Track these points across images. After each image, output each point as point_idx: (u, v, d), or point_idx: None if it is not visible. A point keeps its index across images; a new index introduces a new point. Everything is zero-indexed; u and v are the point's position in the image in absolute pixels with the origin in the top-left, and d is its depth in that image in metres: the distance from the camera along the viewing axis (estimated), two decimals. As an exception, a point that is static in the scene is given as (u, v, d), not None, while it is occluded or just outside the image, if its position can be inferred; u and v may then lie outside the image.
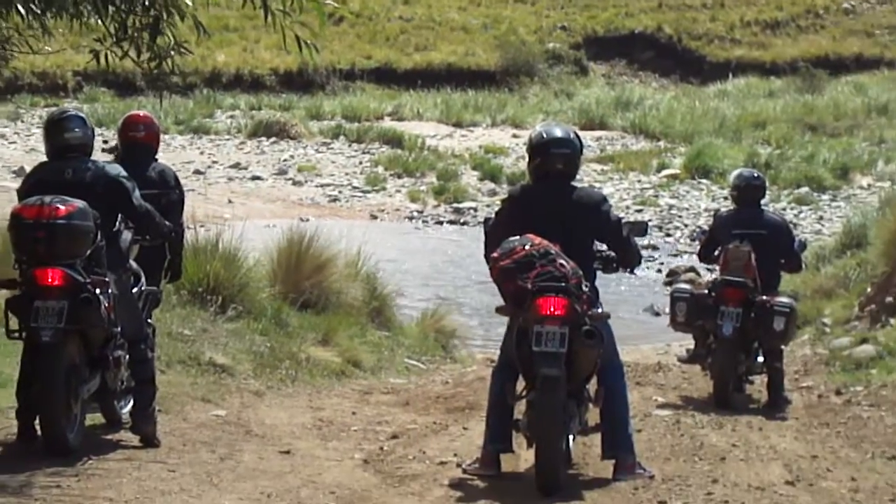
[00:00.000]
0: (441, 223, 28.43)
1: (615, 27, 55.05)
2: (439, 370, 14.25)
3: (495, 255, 8.03)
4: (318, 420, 10.41)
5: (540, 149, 8.46)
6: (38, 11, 6.99)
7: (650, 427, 10.25)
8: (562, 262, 7.89)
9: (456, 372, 14.06)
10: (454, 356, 15.44)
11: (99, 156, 9.10)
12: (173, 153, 32.44)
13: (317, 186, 31.36)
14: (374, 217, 28.52)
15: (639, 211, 28.63)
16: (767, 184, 14.00)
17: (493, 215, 8.92)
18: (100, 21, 7.23)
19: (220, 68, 47.20)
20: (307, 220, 24.68)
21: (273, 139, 37.41)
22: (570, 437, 8.38)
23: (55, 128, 8.65)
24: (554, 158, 8.42)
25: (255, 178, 31.99)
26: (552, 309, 7.74)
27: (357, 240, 15.43)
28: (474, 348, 16.12)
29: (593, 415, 8.51)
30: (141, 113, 10.33)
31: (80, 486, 7.43)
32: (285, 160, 34.43)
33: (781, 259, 12.20)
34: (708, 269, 14.83)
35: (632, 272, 9.45)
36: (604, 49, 53.76)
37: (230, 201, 27.99)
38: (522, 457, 8.49)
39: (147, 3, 6.81)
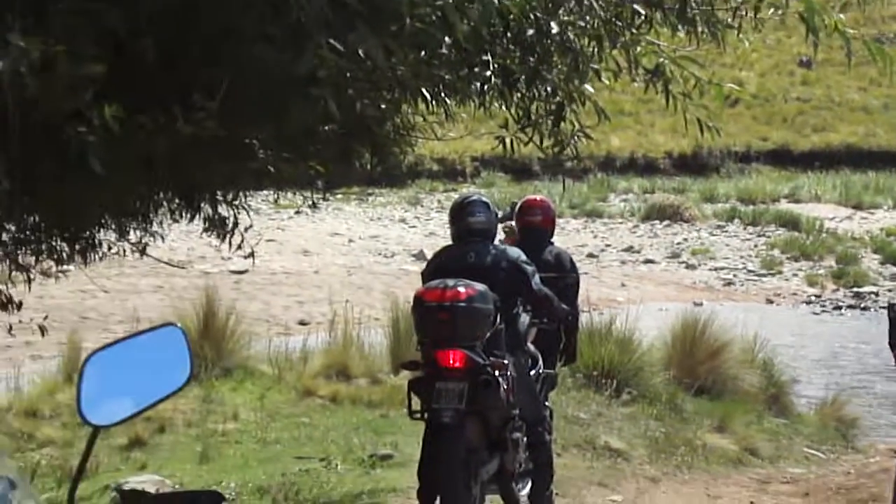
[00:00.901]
0: (840, 308, 27.66)
1: None
2: (840, 460, 13.80)
3: (901, 341, 7.75)
4: (714, 508, 10.23)
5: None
6: (444, 97, 7.19)
7: None
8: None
9: (858, 462, 13.58)
10: (856, 446, 14.93)
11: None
12: (567, 236, 32.83)
13: (710, 270, 31.08)
14: (769, 301, 28.02)
15: None
16: None
17: (897, 301, 8.62)
18: (504, 108, 7.38)
19: (614, 152, 47.60)
20: (701, 303, 24.47)
21: (666, 222, 37.37)
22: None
23: (460, 212, 8.85)
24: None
25: (647, 261, 31.98)
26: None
27: (753, 324, 15.17)
28: (876, 438, 15.55)
29: None
30: (538, 198, 10.48)
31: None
32: (678, 243, 34.30)
33: None
34: None
35: None
36: None
37: (623, 285, 28.06)
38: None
39: (551, 90, 6.90)
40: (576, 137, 7.34)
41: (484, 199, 9.12)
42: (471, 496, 8.10)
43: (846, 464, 13.50)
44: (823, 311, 27.46)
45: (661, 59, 6.85)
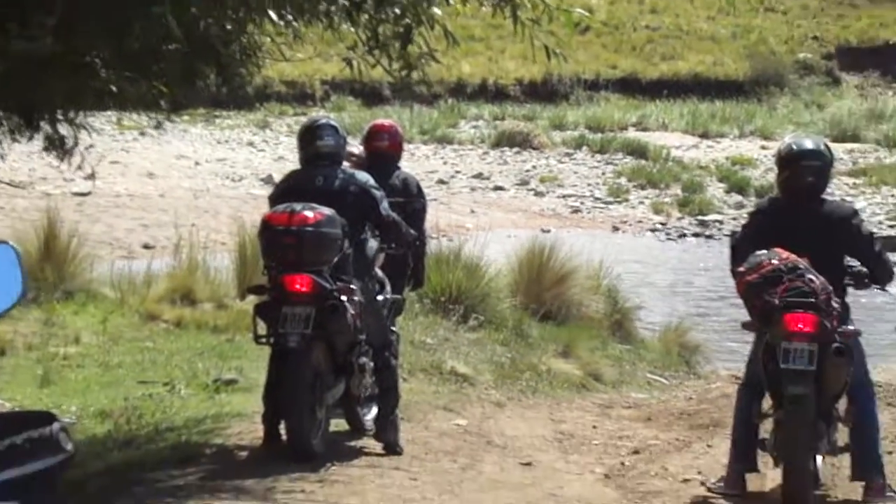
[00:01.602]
0: (685, 236, 28.09)
1: (869, 38, 53.77)
2: (682, 386, 14.01)
3: (742, 269, 7.84)
4: (558, 433, 10.32)
5: (789, 161, 8.24)
6: (291, 18, 7.07)
7: (902, 449, 9.89)
8: (811, 277, 7.65)
9: (700, 388, 13.80)
10: (698, 372, 15.18)
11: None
12: (417, 162, 32.81)
13: (558, 197, 31.34)
14: (616, 229, 28.35)
15: (892, 227, 27.82)
16: None
17: (739, 228, 8.73)
18: (351, 29, 7.29)
19: (465, 78, 47.61)
20: (549, 230, 24.66)
21: (516, 149, 37.55)
22: (819, 457, 8.14)
23: (308, 136, 8.77)
24: (804, 171, 8.19)
25: (497, 188, 32.13)
26: (801, 325, 7.52)
27: (599, 252, 15.31)
28: (719, 364, 15.83)
29: (842, 435, 8.25)
30: (386, 122, 10.41)
31: (323, 492, 7.48)
32: (527, 171, 34.50)
33: None
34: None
35: (884, 289, 9.13)
36: (857, 60, 52.54)
37: (472, 211, 28.18)
38: (769, 477, 8.27)
39: (399, 11, 6.83)
40: (424, 60, 7.29)
41: (333, 122, 9.04)
42: (316, 420, 8.10)
43: (688, 389, 13.71)
44: (669, 238, 27.86)
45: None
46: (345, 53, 7.62)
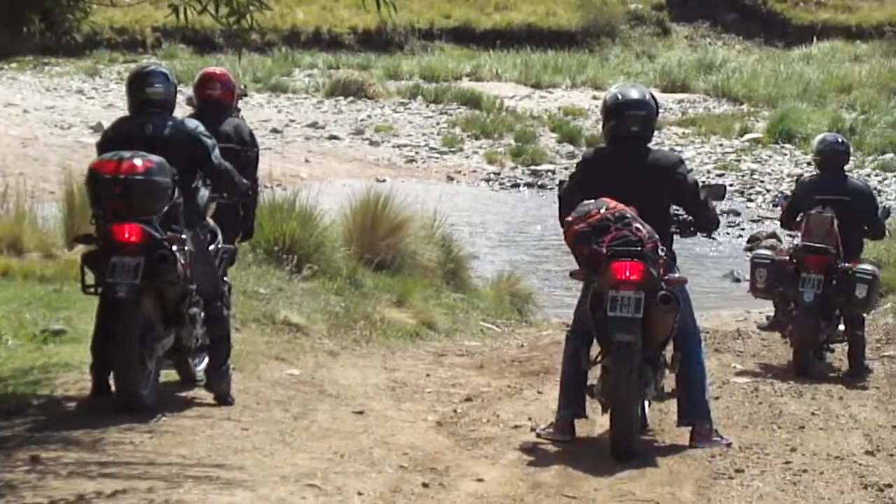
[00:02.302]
0: (518, 186, 28.28)
1: (699, -12, 54.48)
2: (514, 333, 14.18)
3: (570, 218, 7.93)
4: (391, 381, 10.38)
5: (615, 111, 8.34)
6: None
7: (728, 394, 10.13)
8: (637, 225, 7.78)
9: (531, 335, 13.98)
10: (529, 320, 15.37)
11: (182, 111, 9.08)
12: (251, 111, 32.41)
13: (393, 147, 31.30)
14: (450, 178, 28.42)
15: (720, 175, 28.32)
16: (852, 149, 13.77)
17: (567, 178, 8.82)
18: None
19: (299, 26, 47.22)
20: (383, 180, 24.65)
21: (351, 98, 37.39)
22: (646, 403, 8.31)
23: (137, 83, 8.64)
24: (629, 120, 8.30)
25: (332, 137, 31.97)
26: (627, 273, 7.64)
27: (433, 201, 15.36)
28: (550, 312, 16.03)
29: (670, 381, 8.42)
30: (217, 70, 10.28)
31: (152, 443, 7.43)
32: (362, 120, 34.40)
33: (864, 226, 12.01)
34: (790, 236, 14.63)
35: (710, 237, 9.32)
36: (687, 11, 53.25)
37: (307, 160, 28.04)
38: (597, 422, 8.42)
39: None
40: (253, 8, 7.22)
41: (163, 69, 8.92)
42: (145, 371, 8.02)
43: (520, 337, 13.88)
44: (502, 188, 28.02)
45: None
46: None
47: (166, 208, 8.19)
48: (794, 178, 20.20)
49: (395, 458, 7.60)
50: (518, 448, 8.04)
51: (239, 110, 10.07)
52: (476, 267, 16.59)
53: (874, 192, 13.42)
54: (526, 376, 10.95)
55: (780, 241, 19.61)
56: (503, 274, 16.42)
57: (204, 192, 8.78)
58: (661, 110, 8.78)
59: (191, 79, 12.21)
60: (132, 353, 7.87)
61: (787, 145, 31.74)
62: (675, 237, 8.47)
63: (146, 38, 44.57)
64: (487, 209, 25.17)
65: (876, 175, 27.83)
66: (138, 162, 8.01)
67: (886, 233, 12.89)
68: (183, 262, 8.14)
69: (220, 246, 9.14)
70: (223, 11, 7.29)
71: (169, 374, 8.88)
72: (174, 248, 8.06)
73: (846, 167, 12.31)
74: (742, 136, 33.20)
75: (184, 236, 8.26)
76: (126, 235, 7.93)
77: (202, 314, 8.66)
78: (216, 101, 9.83)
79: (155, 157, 8.08)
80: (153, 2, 8.37)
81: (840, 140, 12.69)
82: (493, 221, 23.85)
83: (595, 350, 8.12)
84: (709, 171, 28.61)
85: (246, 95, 10.30)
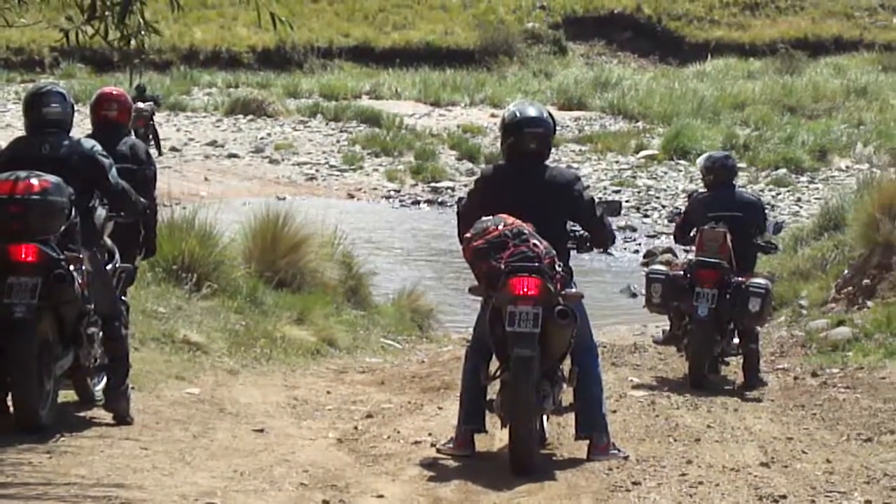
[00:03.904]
0: (418, 203, 28.40)
1: (594, 7, 55.04)
2: (415, 350, 14.24)
3: (468, 235, 8.00)
4: (292, 399, 10.39)
5: (513, 128, 8.42)
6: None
7: (625, 408, 10.25)
8: (535, 241, 7.87)
9: (431, 351, 14.05)
10: (430, 336, 15.44)
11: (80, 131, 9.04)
12: (149, 130, 32.32)
13: (293, 165, 31.30)
14: (351, 196, 28.49)
15: (616, 191, 28.62)
16: (744, 165, 13.99)
17: (466, 195, 8.89)
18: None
19: (197, 45, 47.08)
20: (283, 198, 24.66)
21: (250, 117, 37.33)
22: (544, 417, 8.38)
23: (34, 103, 8.61)
24: (527, 138, 8.38)
25: (231, 155, 31.90)
26: (525, 289, 7.71)
27: (333, 219, 15.39)
28: (450, 328, 16.12)
29: (567, 395, 8.50)
30: (114, 91, 10.24)
31: (51, 463, 7.39)
32: (262, 138, 34.35)
33: (756, 238, 12.20)
34: (685, 251, 14.84)
35: (606, 252, 9.45)
36: (583, 29, 53.77)
37: (206, 179, 27.94)
38: (497, 437, 8.48)
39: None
40: (143, 32, 7.22)
41: (60, 89, 8.88)
42: (44, 391, 7.98)
43: (421, 353, 13.95)
44: (402, 205, 28.13)
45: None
46: (65, 24, 7.49)
47: (63, 228, 8.15)
48: (689, 193, 20.52)
49: (295, 475, 7.61)
50: (418, 464, 8.08)
51: (152, 120, 10.04)
52: (377, 284, 16.63)
53: (765, 204, 13.65)
54: (426, 392, 11.01)
55: (675, 256, 19.89)
56: (404, 290, 16.48)
57: (101, 212, 8.75)
58: (558, 128, 8.87)
59: (88, 98, 12.15)
60: (30, 373, 7.82)
61: (682, 161, 32.14)
62: (572, 253, 8.57)
63: (44, 57, 44.22)
64: (388, 226, 25.25)
65: (770, 190, 28.26)
66: (35, 182, 7.98)
67: (779, 247, 13.11)
68: (80, 281, 8.11)
69: (118, 265, 9.12)
70: (113, 36, 7.27)
71: (67, 394, 8.83)
72: (72, 267, 8.03)
73: (736, 182, 12.52)
74: (638, 152, 33.58)
75: (81, 256, 8.23)
76: (23, 255, 7.89)
77: (100, 333, 8.63)
78: (113, 121, 9.81)
79: (51, 177, 8.06)
80: (50, 22, 8.35)
81: (727, 155, 12.98)
82: (394, 238, 23.93)
83: (494, 365, 8.19)
84: (605, 188, 28.91)
85: (159, 105, 10.29)
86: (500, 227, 7.89)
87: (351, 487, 7.42)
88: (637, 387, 11.54)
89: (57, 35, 7.97)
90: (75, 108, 8.90)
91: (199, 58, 46.65)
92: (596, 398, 8.38)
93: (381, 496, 7.28)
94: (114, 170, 8.66)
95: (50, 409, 8.08)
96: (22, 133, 8.85)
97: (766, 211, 12.90)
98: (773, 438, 9.25)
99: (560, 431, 8.90)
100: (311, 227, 14.97)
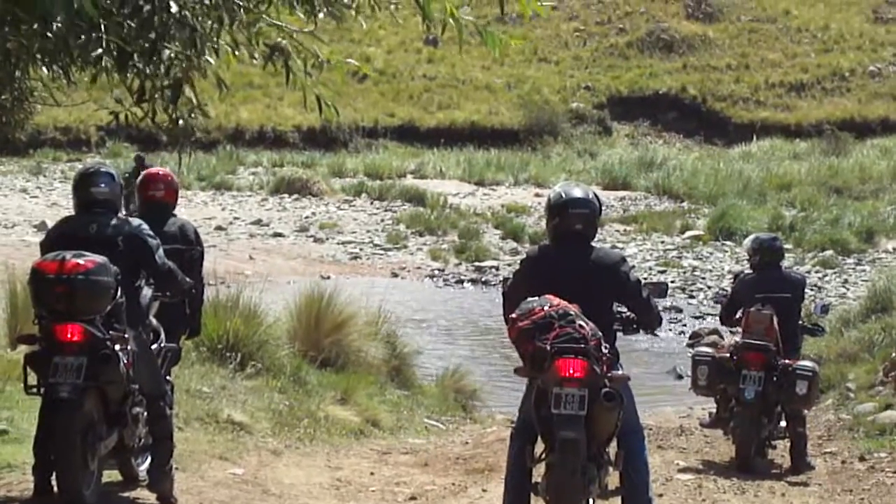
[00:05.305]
0: (462, 282, 28.38)
1: (639, 87, 55.25)
2: (459, 430, 14.17)
3: (514, 315, 7.96)
4: (335, 480, 10.34)
5: (558, 209, 8.41)
6: (62, 65, 6.99)
7: (672, 491, 10.16)
8: (581, 323, 7.82)
9: (476, 432, 13.98)
10: (474, 416, 15.36)
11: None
12: (195, 209, 32.55)
13: (338, 244, 31.38)
14: (395, 275, 28.49)
15: (662, 272, 28.51)
16: (790, 246, 13.95)
17: (511, 276, 8.87)
18: (121, 79, 7.24)
19: (243, 125, 47.50)
20: (328, 277, 24.67)
21: (295, 196, 37.54)
22: (590, 500, 8.29)
23: (83, 182, 8.65)
24: (573, 218, 8.37)
25: (276, 234, 32.04)
26: (571, 371, 7.66)
27: (377, 298, 15.39)
28: (494, 408, 16.03)
29: (614, 478, 8.42)
30: (160, 171, 10.32)
31: (95, 544, 7.37)
32: (307, 217, 34.50)
33: (800, 318, 12.17)
34: (731, 332, 14.75)
35: (652, 333, 9.37)
36: (627, 109, 53.97)
37: (251, 258, 28.04)
38: (542, 520, 8.39)
39: (166, 67, 6.79)
40: (193, 115, 7.27)
41: (108, 169, 8.93)
42: (88, 471, 7.96)
43: (465, 434, 13.87)
44: (446, 284, 28.10)
45: (280, 38, 6.86)
46: (114, 105, 7.56)
47: (109, 307, 8.17)
48: (735, 274, 20.43)
49: (339, 557, 7.56)
50: (462, 546, 8.03)
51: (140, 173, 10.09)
52: (421, 363, 16.59)
53: (808, 284, 13.58)
54: (471, 474, 10.94)
55: (721, 337, 19.76)
56: (448, 370, 16.43)
57: (147, 292, 8.78)
58: (603, 208, 8.86)
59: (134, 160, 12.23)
60: (75, 453, 7.81)
61: (728, 242, 32.03)
62: (618, 334, 8.52)
63: (90, 136, 44.68)
64: (432, 305, 25.20)
65: (816, 271, 28.08)
66: (81, 261, 8.01)
67: (826, 329, 13.02)
68: (126, 361, 8.12)
69: (163, 345, 9.13)
70: (162, 118, 7.33)
71: (111, 474, 8.82)
72: (117, 347, 8.04)
73: (782, 263, 12.48)
74: (683, 233, 33.50)
75: (126, 335, 8.24)
76: (69, 335, 7.90)
77: (145, 413, 8.63)
78: (160, 201, 9.87)
79: (98, 257, 8.08)
80: (97, 101, 8.44)
81: (774, 237, 12.92)
82: (438, 317, 23.88)
83: (540, 447, 8.13)
84: (651, 268, 28.81)
85: (144, 161, 10.35)
86: (546, 308, 7.85)
87: (395, 571, 7.37)
88: (683, 470, 11.43)
89: (104, 115, 8.02)
90: (122, 187, 8.96)
91: (245, 137, 47.06)
92: (642, 482, 8.30)
93: (425, 580, 7.22)
94: (160, 250, 8.69)
95: (94, 489, 8.05)
96: (69, 212, 8.91)
97: (805, 290, 12.86)
98: (821, 523, 9.16)
99: (606, 515, 8.82)
100: (355, 307, 14.98)
